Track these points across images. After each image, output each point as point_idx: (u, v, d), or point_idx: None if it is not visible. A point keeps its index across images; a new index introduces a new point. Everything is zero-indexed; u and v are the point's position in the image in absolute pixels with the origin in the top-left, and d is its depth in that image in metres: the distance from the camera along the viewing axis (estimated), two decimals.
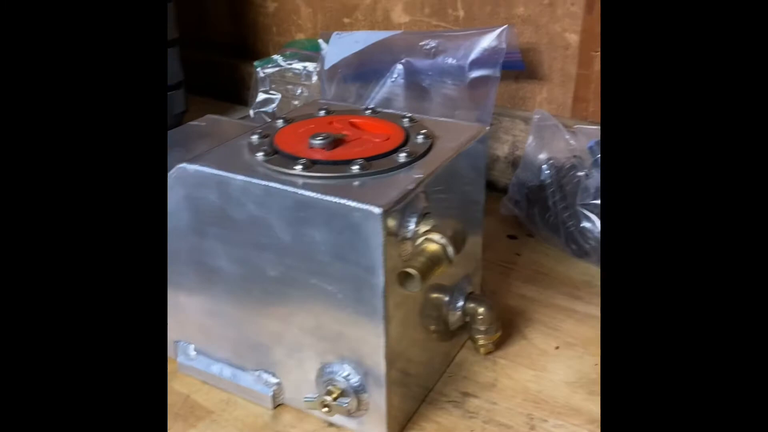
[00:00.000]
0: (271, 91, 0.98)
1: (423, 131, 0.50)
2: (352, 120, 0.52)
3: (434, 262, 0.41)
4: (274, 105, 0.97)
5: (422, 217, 0.44)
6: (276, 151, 0.47)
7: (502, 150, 0.84)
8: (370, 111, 0.54)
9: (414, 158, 0.46)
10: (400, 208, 0.42)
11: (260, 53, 1.08)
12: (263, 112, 0.97)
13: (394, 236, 0.42)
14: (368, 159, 0.45)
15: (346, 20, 0.97)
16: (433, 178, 0.46)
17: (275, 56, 0.97)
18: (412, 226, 0.43)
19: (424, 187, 0.45)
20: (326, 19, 0.99)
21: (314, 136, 0.47)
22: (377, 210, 0.40)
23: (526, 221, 0.75)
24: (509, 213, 0.77)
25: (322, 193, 0.42)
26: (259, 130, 0.50)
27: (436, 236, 0.41)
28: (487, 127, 0.78)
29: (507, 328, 0.60)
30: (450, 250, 0.41)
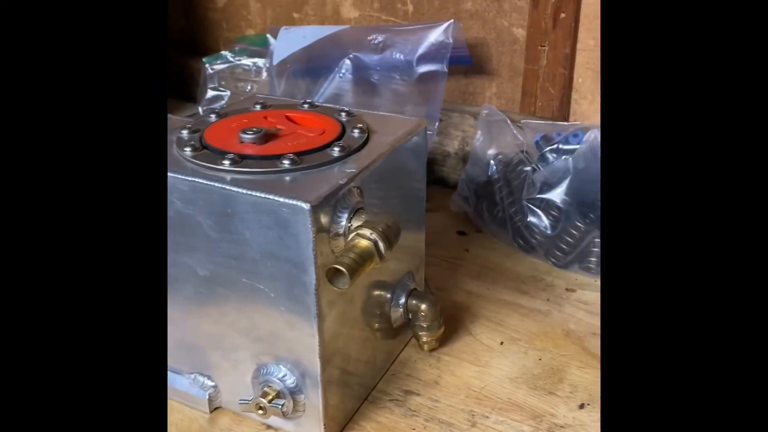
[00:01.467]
0: (221, 88, 0.96)
1: (359, 125, 0.49)
2: (288, 114, 0.51)
3: (364, 258, 0.40)
4: (223, 102, 0.95)
5: (355, 212, 0.43)
6: (204, 146, 0.45)
7: (453, 146, 0.83)
8: (308, 105, 0.53)
9: (348, 152, 0.45)
10: (331, 204, 0.41)
11: (210, 49, 1.05)
12: (212, 109, 0.95)
13: (325, 232, 0.41)
14: (300, 153, 0.44)
15: (296, 15, 0.95)
16: (368, 173, 0.45)
17: (224, 52, 0.95)
18: (344, 221, 0.42)
19: (359, 181, 0.44)
20: (276, 14, 0.97)
21: (245, 131, 0.45)
22: (306, 205, 0.39)
23: (475, 217, 0.75)
24: (459, 209, 0.77)
25: (250, 188, 0.41)
26: (189, 125, 0.48)
27: (366, 232, 0.40)
28: (436, 123, 0.79)
29: (452, 324, 0.59)
30: (381, 245, 0.40)
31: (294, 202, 0.39)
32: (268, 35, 0.89)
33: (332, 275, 0.39)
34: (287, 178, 0.42)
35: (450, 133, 0.83)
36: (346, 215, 0.42)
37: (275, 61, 0.86)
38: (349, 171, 0.43)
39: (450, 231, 0.76)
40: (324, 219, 0.41)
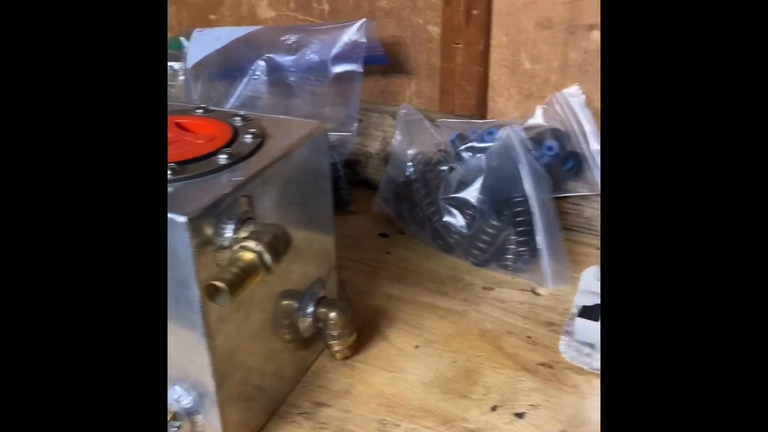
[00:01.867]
0: None
1: (253, 130, 0.47)
2: (177, 120, 0.48)
3: (248, 272, 0.38)
4: None
5: (242, 222, 0.41)
6: None
7: (374, 146, 0.82)
8: (201, 110, 0.51)
9: (236, 160, 0.43)
10: (213, 215, 0.39)
11: None
12: None
13: (209, 245, 0.39)
14: (183, 163, 0.42)
15: (212, 17, 0.92)
16: (259, 180, 0.43)
17: None
18: (229, 233, 0.40)
19: (248, 190, 0.42)
20: (192, 16, 0.94)
21: None
22: (182, 218, 0.37)
23: (396, 218, 0.74)
24: (381, 211, 0.75)
25: None
26: None
27: (251, 243, 0.38)
28: (355, 123, 0.77)
29: (369, 329, 0.58)
30: (267, 257, 0.38)
31: (170, 216, 0.37)
32: (182, 38, 0.86)
33: (212, 292, 0.37)
34: (168, 190, 0.40)
35: (371, 133, 0.82)
36: (231, 226, 0.40)
37: (189, 64, 0.83)
38: (235, 179, 0.41)
39: (372, 233, 0.74)
40: (206, 231, 0.39)
